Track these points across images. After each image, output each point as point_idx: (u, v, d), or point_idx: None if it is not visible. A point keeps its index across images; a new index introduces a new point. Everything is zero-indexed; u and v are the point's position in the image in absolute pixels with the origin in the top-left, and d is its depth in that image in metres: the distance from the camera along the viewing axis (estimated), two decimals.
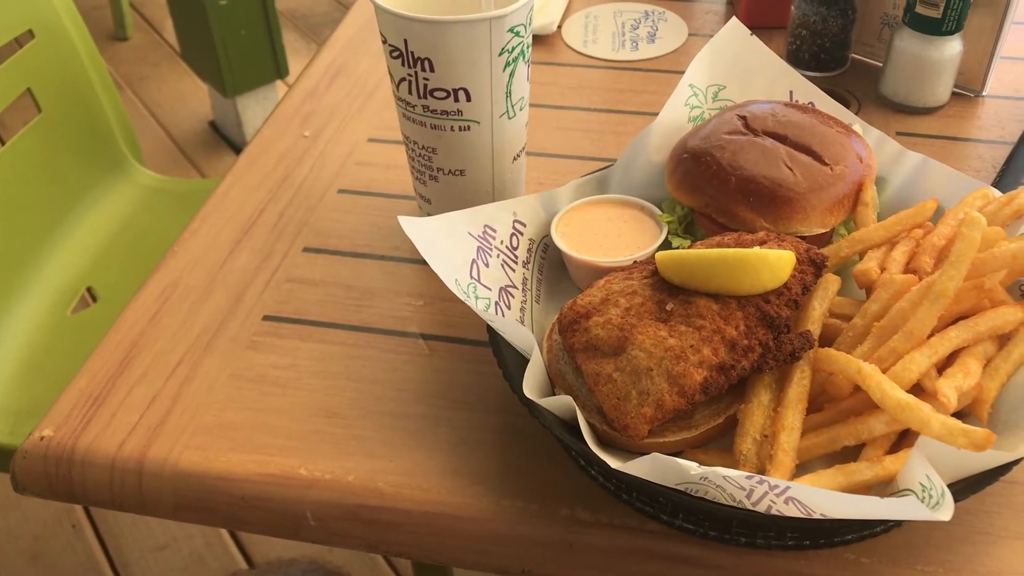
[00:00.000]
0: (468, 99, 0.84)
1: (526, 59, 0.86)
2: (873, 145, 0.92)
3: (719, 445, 0.73)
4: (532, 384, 0.71)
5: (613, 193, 0.92)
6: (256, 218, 1.02)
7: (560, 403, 0.70)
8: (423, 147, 0.89)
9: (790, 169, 0.84)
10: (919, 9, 1.08)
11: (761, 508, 0.62)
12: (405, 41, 0.82)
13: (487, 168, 0.90)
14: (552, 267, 0.90)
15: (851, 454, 0.69)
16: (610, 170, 0.94)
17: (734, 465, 0.69)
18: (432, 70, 0.82)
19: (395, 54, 0.84)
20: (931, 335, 0.70)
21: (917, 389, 0.68)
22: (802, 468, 0.69)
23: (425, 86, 0.84)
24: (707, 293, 0.72)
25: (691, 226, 0.89)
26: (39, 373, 1.35)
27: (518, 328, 0.72)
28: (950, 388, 0.66)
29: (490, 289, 0.80)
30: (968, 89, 1.17)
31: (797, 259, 0.75)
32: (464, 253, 0.81)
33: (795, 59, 1.21)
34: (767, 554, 0.69)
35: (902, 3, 1.11)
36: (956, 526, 0.70)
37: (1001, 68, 1.18)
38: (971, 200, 0.82)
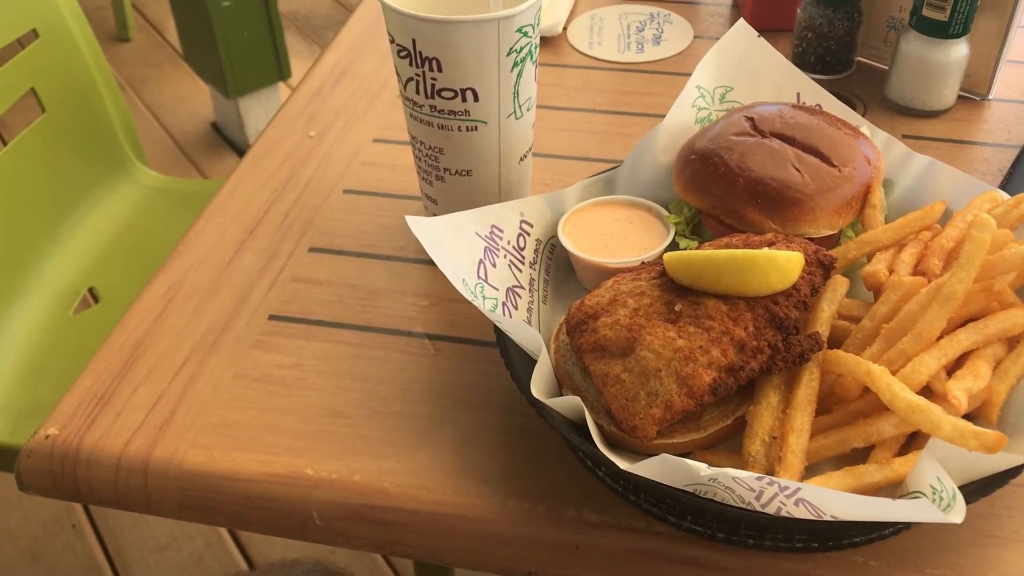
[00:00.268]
0: (476, 99, 0.84)
1: (534, 59, 0.86)
2: (881, 147, 0.92)
3: (728, 446, 0.73)
4: (540, 385, 0.70)
5: (620, 194, 0.92)
6: (261, 218, 1.02)
7: (568, 404, 0.69)
8: (430, 147, 0.89)
9: (798, 171, 0.84)
10: (926, 12, 1.07)
11: (771, 510, 0.62)
12: (413, 41, 0.82)
13: (494, 168, 0.90)
14: (559, 268, 0.89)
15: (860, 456, 0.68)
16: (617, 171, 0.93)
17: (743, 467, 0.68)
18: (440, 70, 0.82)
19: (403, 54, 0.83)
20: (940, 337, 0.69)
21: (926, 391, 0.67)
22: (811, 470, 0.68)
23: (433, 86, 0.84)
24: (716, 294, 0.72)
25: (699, 227, 0.89)
26: (41, 373, 1.35)
27: (525, 328, 0.72)
28: (960, 390, 0.66)
29: (497, 289, 0.80)
30: (974, 92, 1.16)
31: (806, 261, 0.75)
32: (471, 253, 0.81)
33: (801, 62, 1.21)
34: (775, 556, 0.68)
35: (908, 6, 1.11)
36: (965, 529, 0.69)
37: (1007, 72, 1.18)
38: (979, 203, 0.82)
